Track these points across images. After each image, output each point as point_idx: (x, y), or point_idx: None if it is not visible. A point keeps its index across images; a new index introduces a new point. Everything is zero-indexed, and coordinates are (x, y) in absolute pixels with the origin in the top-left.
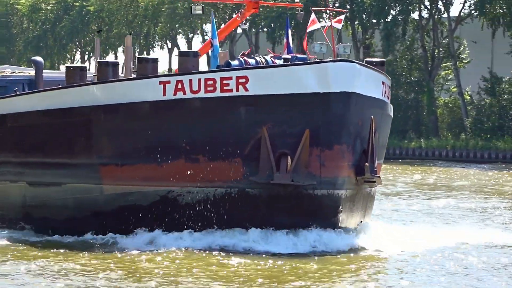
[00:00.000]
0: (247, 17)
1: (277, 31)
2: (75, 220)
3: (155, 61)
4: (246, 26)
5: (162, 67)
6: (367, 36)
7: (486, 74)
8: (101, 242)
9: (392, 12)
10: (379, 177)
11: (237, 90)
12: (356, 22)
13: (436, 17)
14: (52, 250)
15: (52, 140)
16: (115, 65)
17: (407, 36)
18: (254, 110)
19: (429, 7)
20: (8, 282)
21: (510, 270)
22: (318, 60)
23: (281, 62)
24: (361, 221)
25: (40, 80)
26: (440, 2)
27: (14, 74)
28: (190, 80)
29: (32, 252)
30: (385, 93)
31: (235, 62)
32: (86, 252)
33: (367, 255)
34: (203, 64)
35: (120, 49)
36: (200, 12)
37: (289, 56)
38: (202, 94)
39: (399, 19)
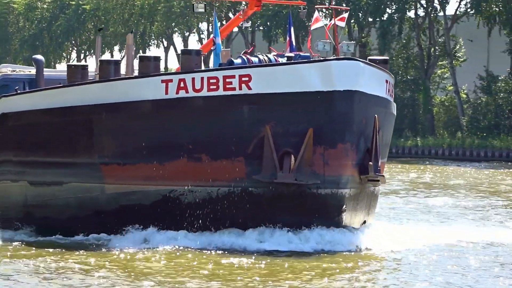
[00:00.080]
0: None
1: (273, 29)
2: (77, 220)
3: (157, 59)
4: (249, 24)
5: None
6: (363, 35)
7: (482, 72)
8: (96, 242)
9: (388, 10)
10: (383, 176)
11: (240, 88)
12: (352, 21)
13: (432, 15)
14: (47, 250)
15: (54, 139)
16: (116, 63)
17: (403, 34)
18: (257, 109)
19: (425, 6)
20: (4, 282)
21: (508, 269)
22: (321, 58)
23: (284, 60)
24: (365, 221)
25: (41, 78)
26: (436, 1)
27: (14, 72)
28: (193, 79)
29: (30, 251)
30: (388, 91)
31: (238, 61)
32: (82, 251)
33: (366, 254)
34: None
35: (116, 47)
36: (202, 10)
37: (292, 54)
38: (204, 92)
39: (395, 18)
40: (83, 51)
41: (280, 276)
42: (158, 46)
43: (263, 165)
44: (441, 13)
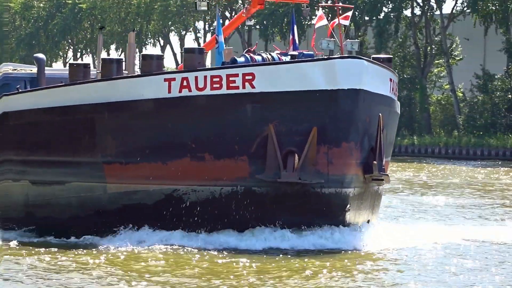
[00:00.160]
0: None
1: (270, 28)
2: (79, 219)
3: (160, 58)
4: (252, 22)
5: None
6: (359, 34)
7: (478, 71)
8: (92, 242)
9: (385, 9)
10: (387, 175)
11: (244, 87)
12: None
13: (428, 14)
14: (47, 249)
15: (55, 138)
16: (119, 62)
17: (400, 33)
18: (261, 108)
19: (421, 4)
20: (4, 282)
21: (510, 268)
22: (325, 57)
23: (287, 59)
24: (369, 220)
25: (42, 77)
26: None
27: (16, 71)
28: (196, 77)
29: (30, 251)
30: (392, 90)
31: (241, 59)
32: (80, 251)
33: (366, 254)
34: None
35: (113, 46)
36: (205, 8)
37: (296, 53)
38: (208, 91)
39: (392, 16)
40: (79, 50)
41: (280, 275)
42: (154, 45)
43: (267, 164)
44: (438, 12)
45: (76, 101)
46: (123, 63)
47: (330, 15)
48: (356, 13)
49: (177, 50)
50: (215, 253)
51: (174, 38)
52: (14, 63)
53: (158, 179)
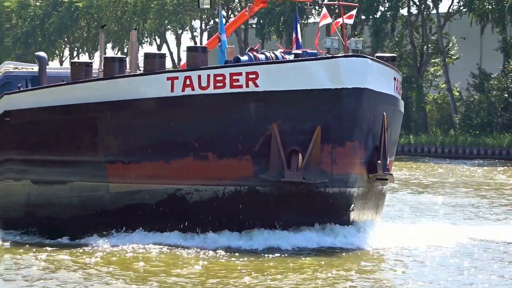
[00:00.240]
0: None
1: (266, 27)
2: (80, 219)
3: (162, 56)
4: (255, 21)
5: None
6: (356, 33)
7: (475, 70)
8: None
9: (381, 8)
10: (392, 174)
11: (247, 86)
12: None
13: (425, 13)
14: (47, 249)
15: (57, 137)
16: (121, 60)
17: (396, 32)
18: (264, 106)
19: (418, 3)
20: (4, 282)
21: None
22: (329, 55)
23: (291, 57)
24: (372, 220)
25: (43, 76)
26: None
27: (17, 70)
28: (199, 76)
29: (31, 251)
30: (396, 89)
31: (244, 58)
32: (79, 251)
33: (366, 253)
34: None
35: (109, 45)
36: (208, 6)
37: (299, 52)
38: (211, 90)
39: (388, 15)
40: (76, 49)
41: (280, 274)
42: (151, 43)
43: (270, 163)
44: (434, 11)
45: (78, 99)
46: (126, 61)
47: (337, 12)
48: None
49: (174, 49)
50: (216, 252)
51: (170, 37)
52: (16, 62)
53: (161, 178)
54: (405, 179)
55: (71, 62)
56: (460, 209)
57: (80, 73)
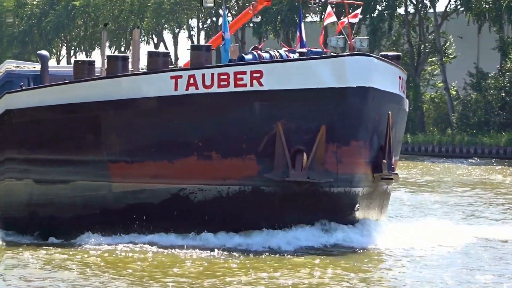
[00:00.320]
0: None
1: (263, 26)
2: (83, 219)
3: (166, 55)
4: (259, 19)
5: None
6: (353, 32)
7: (472, 69)
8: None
9: (378, 7)
10: (397, 174)
11: (251, 85)
12: (342, 17)
13: (422, 12)
14: (46, 250)
15: (60, 136)
16: (124, 59)
17: (393, 31)
18: (269, 106)
19: (415, 2)
20: (4, 282)
21: None
22: (334, 54)
23: (295, 56)
24: (377, 220)
25: (45, 74)
26: None
27: (19, 68)
28: (203, 75)
29: (32, 251)
30: (401, 87)
31: (248, 56)
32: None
33: (366, 253)
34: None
35: (106, 44)
36: (212, 4)
37: (304, 50)
38: (215, 89)
39: (385, 14)
40: (73, 48)
41: (283, 274)
42: (148, 42)
43: (275, 163)
44: (431, 10)
45: (81, 98)
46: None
47: (342, 11)
48: (350, 11)
49: (171, 48)
50: (217, 252)
51: (167, 35)
52: (18, 61)
53: (165, 178)
54: (402, 178)
55: (74, 60)
56: (457, 208)
57: (83, 71)
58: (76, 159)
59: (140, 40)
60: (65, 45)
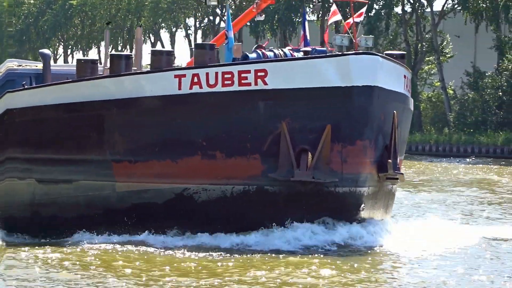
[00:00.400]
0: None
1: (261, 25)
2: (86, 219)
3: (170, 53)
4: (262, 18)
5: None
6: (350, 31)
7: (469, 68)
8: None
9: (375, 6)
10: (402, 173)
11: (256, 84)
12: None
13: (419, 11)
14: (48, 250)
15: (62, 136)
16: (128, 58)
17: (390, 30)
18: (273, 105)
19: (412, 1)
20: (4, 282)
21: None
22: (339, 53)
23: (300, 55)
24: (382, 219)
25: (48, 73)
26: None
27: (21, 67)
28: (207, 74)
29: (33, 251)
30: (406, 86)
31: (253, 55)
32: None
33: (366, 253)
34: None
35: (103, 43)
36: (215, 3)
37: (309, 49)
38: (219, 88)
39: (382, 14)
40: (70, 47)
41: (279, 272)
42: (145, 41)
43: (280, 162)
44: (428, 9)
45: (84, 97)
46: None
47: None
48: (347, 10)
49: (168, 47)
50: (218, 252)
51: (164, 35)
52: (20, 59)
53: (168, 177)
54: None
55: (77, 59)
56: (455, 208)
57: (86, 70)
58: (79, 159)
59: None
60: (62, 44)
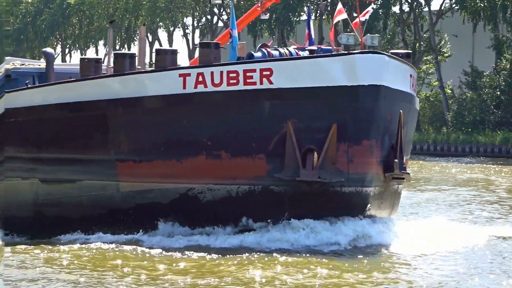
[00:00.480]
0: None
1: (258, 24)
2: (90, 219)
3: (174, 52)
4: (267, 16)
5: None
6: (348, 30)
7: (467, 68)
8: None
9: (373, 5)
10: (408, 173)
11: (261, 83)
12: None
13: (417, 11)
14: (51, 250)
15: (66, 135)
16: (132, 57)
17: (388, 30)
18: (279, 104)
19: (410, 1)
20: (4, 282)
21: None
22: (345, 52)
23: (305, 54)
24: (388, 219)
25: (51, 72)
26: None
27: (24, 66)
28: (212, 73)
29: (33, 251)
30: (412, 86)
31: (258, 54)
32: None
33: (365, 253)
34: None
35: (101, 42)
36: (220, 1)
37: (314, 48)
38: (224, 87)
39: (380, 13)
40: (67, 46)
41: (280, 272)
42: None
43: (285, 162)
44: (426, 9)
45: (88, 96)
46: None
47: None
48: (345, 9)
49: (166, 46)
50: (219, 252)
51: (162, 34)
52: (23, 58)
53: (173, 177)
54: None
55: (80, 58)
56: (454, 207)
57: (90, 69)
58: (83, 158)
59: (135, 38)
60: (60, 43)
